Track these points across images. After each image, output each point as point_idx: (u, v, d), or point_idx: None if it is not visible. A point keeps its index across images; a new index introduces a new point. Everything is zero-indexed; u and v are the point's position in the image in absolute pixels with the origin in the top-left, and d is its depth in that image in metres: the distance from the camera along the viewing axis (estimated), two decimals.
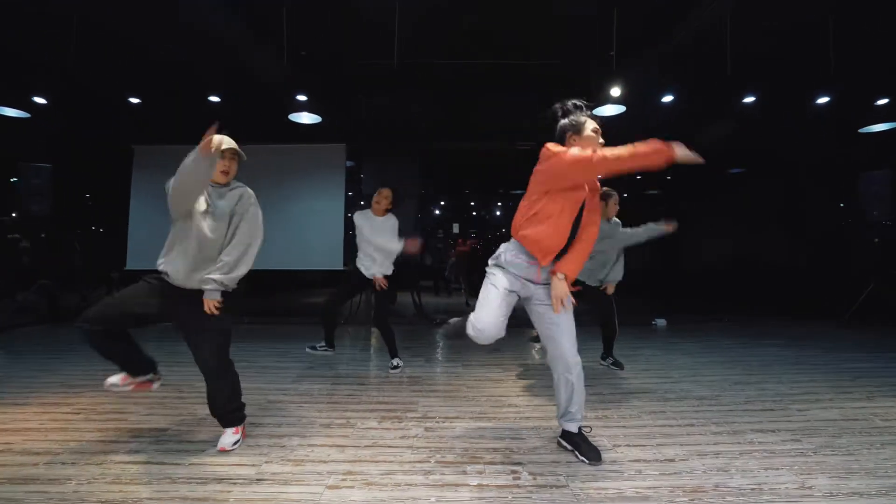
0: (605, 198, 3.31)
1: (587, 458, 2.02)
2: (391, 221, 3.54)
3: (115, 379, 2.22)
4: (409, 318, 6.32)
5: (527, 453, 2.13)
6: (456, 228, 9.55)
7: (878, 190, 5.76)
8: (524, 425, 2.49)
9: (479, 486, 1.83)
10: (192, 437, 2.31)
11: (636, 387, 3.23)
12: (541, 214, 2.03)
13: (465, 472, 1.94)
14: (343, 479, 1.87)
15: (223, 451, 2.10)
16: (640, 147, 1.78)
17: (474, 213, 15.81)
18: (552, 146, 2.01)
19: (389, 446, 2.20)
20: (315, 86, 4.52)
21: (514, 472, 1.95)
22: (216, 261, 2.10)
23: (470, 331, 2.03)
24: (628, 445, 2.22)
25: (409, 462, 2.03)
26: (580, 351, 2.10)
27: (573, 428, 2.10)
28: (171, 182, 2.00)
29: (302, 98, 4.38)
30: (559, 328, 2.06)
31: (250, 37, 3.98)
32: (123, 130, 5.97)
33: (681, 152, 1.76)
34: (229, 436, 2.15)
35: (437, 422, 2.54)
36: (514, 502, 1.71)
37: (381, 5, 3.92)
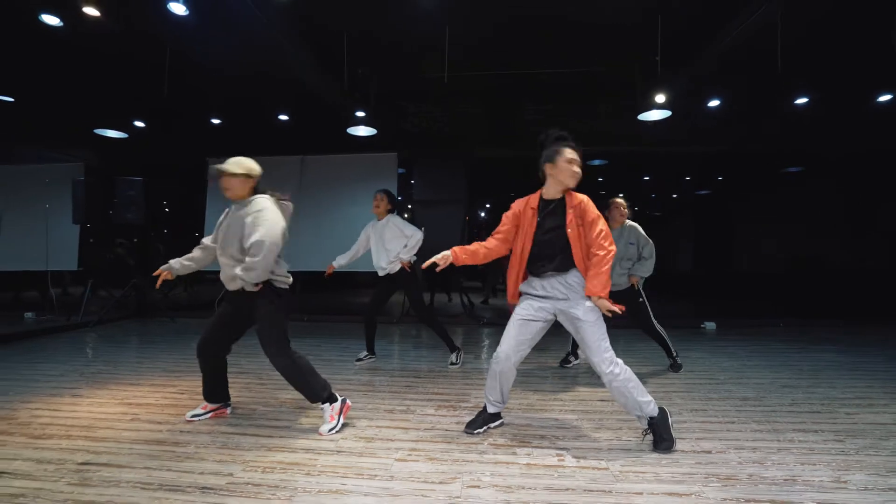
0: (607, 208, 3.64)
1: (662, 449, 2.18)
2: (392, 221, 3.87)
3: (197, 410, 2.65)
4: (460, 318, 6.61)
5: (571, 440, 2.35)
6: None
7: None
8: (568, 417, 2.70)
9: (528, 464, 2.07)
10: (277, 416, 2.70)
11: (679, 387, 3.34)
12: None
13: (514, 454, 2.19)
14: (409, 454, 2.17)
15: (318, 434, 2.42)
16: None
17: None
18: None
19: (446, 430, 2.49)
20: (370, 101, 4.91)
21: (559, 454, 2.17)
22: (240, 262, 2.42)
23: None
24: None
25: (465, 443, 2.31)
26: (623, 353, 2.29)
27: (644, 424, 2.25)
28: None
29: (360, 114, 4.78)
30: (584, 344, 2.27)
31: (313, 61, 4.41)
32: (201, 146, 6.67)
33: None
34: (326, 424, 2.45)
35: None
36: (560, 479, 1.94)
37: (431, 28, 4.24)
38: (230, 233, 2.43)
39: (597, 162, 7.59)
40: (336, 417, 2.47)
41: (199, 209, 6.98)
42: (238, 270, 2.33)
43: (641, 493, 1.82)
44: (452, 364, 3.91)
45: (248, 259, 2.31)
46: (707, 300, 9.03)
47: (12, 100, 5.19)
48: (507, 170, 8.29)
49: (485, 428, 2.44)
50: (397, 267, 3.83)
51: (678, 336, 5.20)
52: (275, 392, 3.15)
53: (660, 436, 2.21)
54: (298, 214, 6.77)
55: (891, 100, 4.67)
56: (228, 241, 2.43)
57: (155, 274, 2.66)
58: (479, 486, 1.88)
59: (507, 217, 2.46)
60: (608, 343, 2.24)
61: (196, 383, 3.33)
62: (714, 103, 5.08)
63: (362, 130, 5.19)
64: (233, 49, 4.22)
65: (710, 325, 5.97)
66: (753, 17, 3.62)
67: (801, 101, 4.87)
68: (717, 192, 10.52)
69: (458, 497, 1.80)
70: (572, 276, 2.31)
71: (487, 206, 15.06)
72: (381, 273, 3.91)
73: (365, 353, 4.11)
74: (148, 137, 5.70)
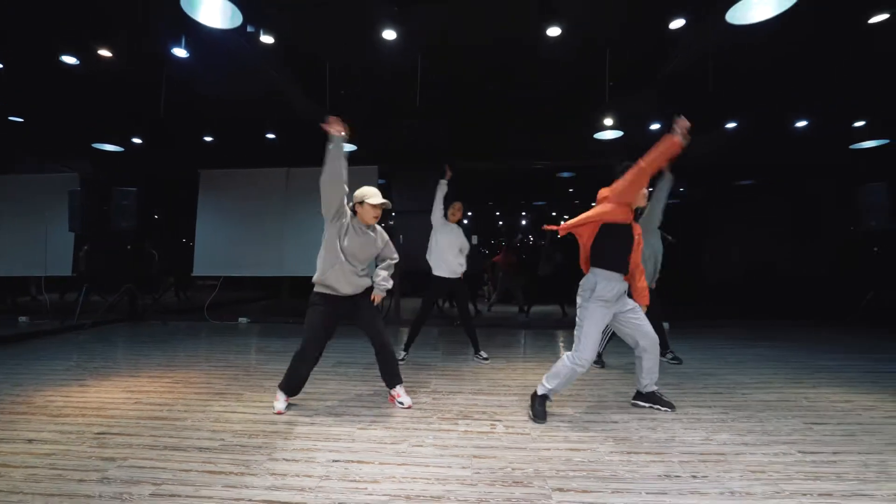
0: None
1: (668, 408, 2.87)
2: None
3: (281, 406, 2.88)
4: (436, 321, 7.08)
5: (507, 416, 2.83)
6: (475, 240, 10.07)
7: (876, 201, 6.07)
8: (510, 399, 3.19)
9: (465, 431, 2.56)
10: (261, 399, 3.15)
11: (616, 375, 3.85)
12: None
13: (456, 424, 2.67)
14: (370, 425, 2.65)
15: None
16: (658, 149, 2.46)
17: (500, 224, 16.56)
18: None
19: (402, 407, 2.96)
20: (351, 120, 5.39)
21: (493, 424, 2.66)
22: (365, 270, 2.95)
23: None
24: (578, 412, 2.88)
25: (418, 417, 2.79)
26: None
27: (653, 388, 2.92)
28: (323, 177, 2.70)
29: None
30: (643, 317, 2.84)
31: (296, 83, 4.89)
32: (192, 158, 7.10)
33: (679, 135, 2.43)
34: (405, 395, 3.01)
35: (443, 394, 3.28)
36: (488, 441, 2.43)
37: (405, 59, 4.75)
38: (365, 249, 2.90)
39: (566, 174, 8.17)
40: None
41: (191, 218, 7.35)
42: (380, 280, 2.96)
43: (549, 449, 2.32)
44: (485, 359, 4.36)
45: (385, 272, 2.99)
46: (667, 302, 9.62)
47: (22, 120, 5.58)
48: (482, 181, 8.83)
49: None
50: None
51: None
52: (260, 381, 3.59)
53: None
54: (285, 223, 7.24)
55: (811, 124, 5.30)
56: (363, 254, 2.89)
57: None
58: (422, 446, 2.36)
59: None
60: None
61: (189, 374, 3.78)
62: (655, 126, 5.69)
63: (344, 147, 5.67)
64: (226, 78, 4.68)
65: (664, 325, 6.51)
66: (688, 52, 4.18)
67: (732, 125, 5.49)
68: (680, 203, 11.19)
69: (403, 452, 2.27)
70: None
71: (470, 214, 15.62)
72: (453, 276, 4.27)
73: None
74: (143, 152, 6.11)
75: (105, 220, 6.51)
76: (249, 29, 3.50)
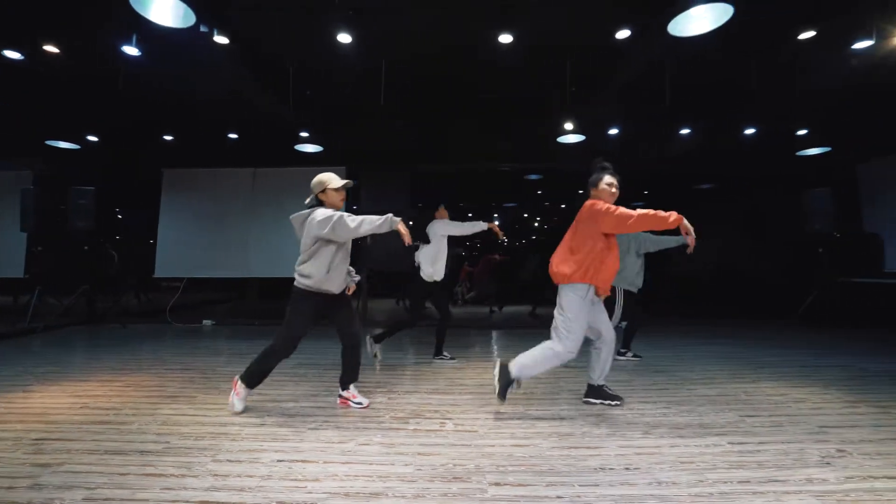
0: None
1: (615, 401, 3.02)
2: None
3: (239, 406, 2.85)
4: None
5: (459, 414, 2.89)
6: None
7: (819, 205, 6.41)
8: (465, 398, 3.25)
9: (414, 430, 2.60)
10: (216, 401, 3.12)
11: (573, 373, 3.95)
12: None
13: (407, 423, 2.71)
14: (321, 425, 2.66)
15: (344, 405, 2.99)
16: (660, 213, 2.59)
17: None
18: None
19: (357, 407, 2.98)
20: (316, 121, 5.38)
21: (442, 423, 2.72)
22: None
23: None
24: (529, 409, 2.97)
25: (370, 417, 2.82)
26: None
27: (603, 381, 3.05)
28: (351, 223, 2.69)
29: (304, 134, 5.24)
30: (604, 314, 2.99)
31: (259, 86, 4.85)
32: (155, 157, 6.93)
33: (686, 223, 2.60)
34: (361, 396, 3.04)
35: (400, 394, 3.32)
36: (435, 438, 2.47)
37: (368, 61, 4.77)
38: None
39: (533, 177, 8.32)
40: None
41: (153, 217, 7.17)
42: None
43: (493, 446, 2.38)
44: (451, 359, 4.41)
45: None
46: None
47: None
48: (446, 182, 8.91)
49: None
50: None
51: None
52: (217, 383, 3.55)
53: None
54: (251, 224, 7.13)
55: (758, 132, 5.59)
56: (348, 244, 2.96)
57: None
58: (369, 444, 2.39)
59: None
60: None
61: (141, 378, 3.70)
62: (614, 131, 5.88)
63: (309, 147, 5.65)
64: (185, 77, 4.61)
65: (623, 325, 6.70)
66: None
67: (686, 131, 5.73)
68: (648, 203, 11.57)
69: (349, 451, 2.30)
70: None
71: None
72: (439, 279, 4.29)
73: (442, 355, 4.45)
74: (101, 150, 5.93)
75: (61, 220, 6.28)
76: (203, 29, 3.47)
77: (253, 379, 2.90)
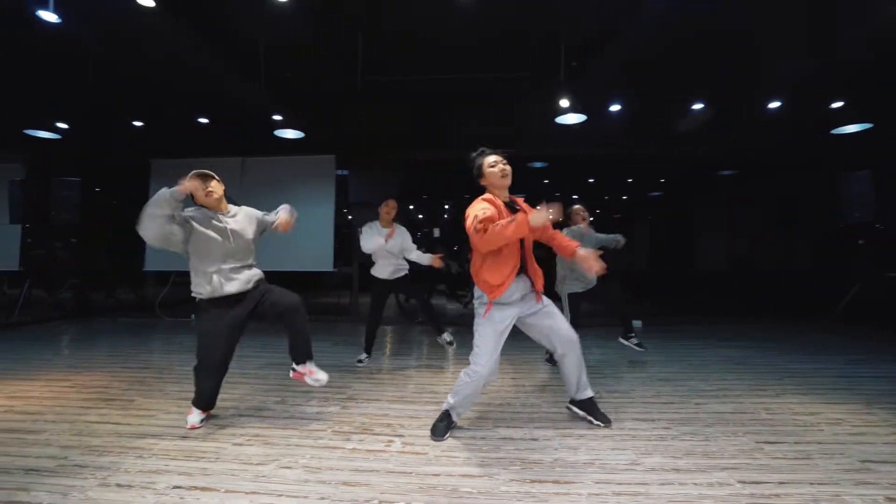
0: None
1: (602, 422, 2.50)
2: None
3: (195, 419, 2.51)
4: (393, 318, 6.74)
5: (414, 429, 2.47)
6: (437, 233, 9.66)
7: (859, 191, 5.68)
8: (429, 408, 2.82)
9: (353, 449, 2.20)
10: (149, 407, 2.79)
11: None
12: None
13: (348, 440, 2.31)
14: (249, 440, 2.29)
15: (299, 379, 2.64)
16: (508, 225, 2.05)
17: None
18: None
19: (302, 419, 2.60)
20: (295, 105, 5.02)
21: (390, 441, 2.30)
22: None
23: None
24: (499, 426, 2.52)
25: (309, 430, 2.43)
26: None
27: (589, 394, 2.55)
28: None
29: (278, 117, 4.90)
30: (556, 318, 2.44)
31: (233, 66, 4.51)
32: (141, 147, 6.73)
33: (536, 217, 2.03)
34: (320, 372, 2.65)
35: (358, 403, 2.92)
36: (373, 462, 2.06)
37: (347, 36, 4.37)
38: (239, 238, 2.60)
39: (538, 164, 7.77)
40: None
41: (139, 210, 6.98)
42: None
43: (439, 475, 1.96)
44: (449, 344, 4.05)
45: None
46: (643, 299, 9.26)
47: None
48: (440, 171, 8.45)
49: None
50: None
51: (604, 333, 5.37)
52: (167, 385, 3.24)
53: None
54: None
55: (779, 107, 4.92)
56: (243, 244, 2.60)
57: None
58: (290, 468, 2.00)
59: (495, 213, 2.26)
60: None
61: (92, 377, 3.43)
62: (616, 107, 5.31)
63: (290, 133, 5.30)
64: (150, 49, 4.31)
65: (636, 323, 6.14)
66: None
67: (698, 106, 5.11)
68: (666, 193, 10.80)
69: (263, 476, 1.92)
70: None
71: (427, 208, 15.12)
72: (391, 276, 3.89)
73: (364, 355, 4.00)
74: (82, 139, 5.75)
75: (46, 212, 6.15)
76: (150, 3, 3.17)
77: (203, 402, 2.55)
